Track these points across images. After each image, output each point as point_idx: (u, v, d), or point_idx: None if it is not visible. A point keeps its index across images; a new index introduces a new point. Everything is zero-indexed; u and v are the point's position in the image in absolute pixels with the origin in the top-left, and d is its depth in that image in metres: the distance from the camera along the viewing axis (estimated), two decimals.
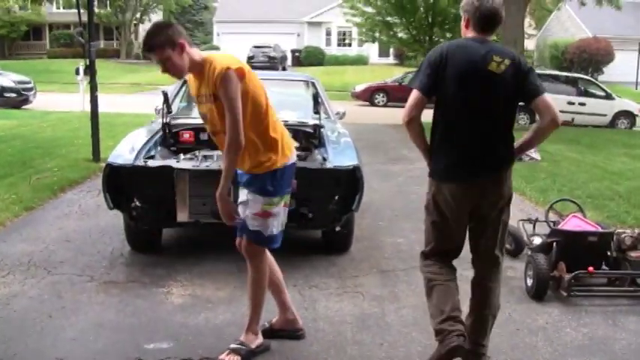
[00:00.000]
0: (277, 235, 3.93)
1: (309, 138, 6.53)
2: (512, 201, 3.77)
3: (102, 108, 10.72)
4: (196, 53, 3.74)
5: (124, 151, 5.49)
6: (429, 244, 3.86)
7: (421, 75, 3.67)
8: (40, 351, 4.00)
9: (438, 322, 3.68)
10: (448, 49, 3.61)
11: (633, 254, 5.23)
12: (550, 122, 3.61)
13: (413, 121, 3.65)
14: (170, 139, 6.34)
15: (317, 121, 6.41)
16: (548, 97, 3.63)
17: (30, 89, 21.06)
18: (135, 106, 19.20)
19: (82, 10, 10.73)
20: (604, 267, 5.27)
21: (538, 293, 5.03)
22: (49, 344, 4.08)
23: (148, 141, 5.79)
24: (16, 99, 20.38)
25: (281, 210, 3.91)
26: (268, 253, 4.00)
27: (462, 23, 3.74)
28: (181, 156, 5.81)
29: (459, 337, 3.57)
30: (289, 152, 3.97)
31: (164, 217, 5.44)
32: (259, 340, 3.97)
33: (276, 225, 3.90)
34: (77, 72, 19.04)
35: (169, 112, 6.33)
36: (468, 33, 3.69)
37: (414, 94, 3.65)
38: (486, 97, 3.56)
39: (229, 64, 3.62)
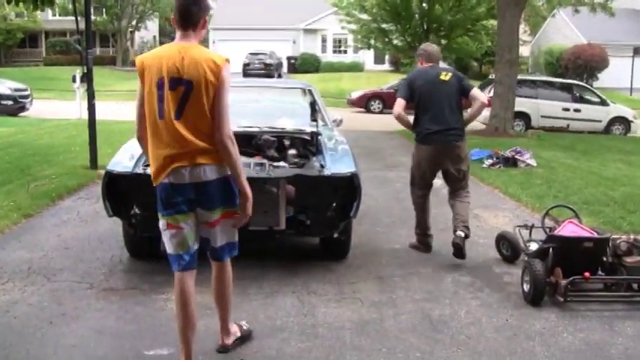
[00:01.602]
0: (171, 255, 3.77)
1: (306, 145, 6.57)
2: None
3: (98, 115, 10.73)
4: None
5: (123, 159, 5.51)
6: (418, 179, 6.41)
7: (403, 89, 6.37)
8: (41, 358, 4.03)
9: (422, 233, 6.48)
10: (417, 74, 6.44)
11: (629, 260, 5.27)
12: (480, 104, 6.26)
13: (400, 115, 6.28)
14: None
15: (314, 129, 6.45)
16: (477, 90, 6.44)
17: (27, 97, 21.09)
18: (131, 114, 19.18)
19: (79, 18, 10.75)
20: (600, 272, 5.31)
21: (535, 299, 5.07)
22: (49, 351, 4.10)
23: None
24: (12, 106, 20.40)
25: (169, 229, 3.72)
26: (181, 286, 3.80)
27: (419, 61, 6.47)
28: None
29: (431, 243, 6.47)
30: (160, 176, 3.66)
31: None
32: None
33: (168, 243, 3.76)
34: (74, 79, 19.07)
35: None
36: (425, 64, 6.41)
37: (399, 100, 6.27)
38: (441, 94, 6.19)
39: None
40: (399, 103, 6.20)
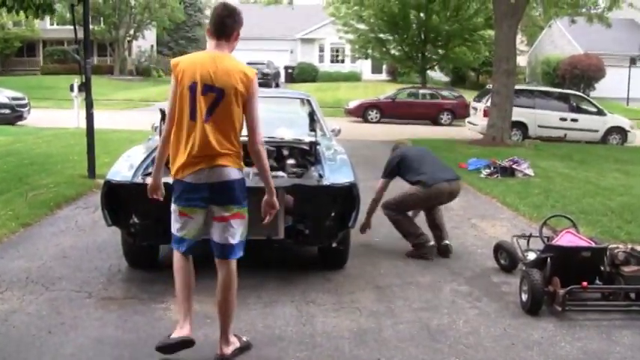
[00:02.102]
0: (175, 235, 4.12)
1: (305, 155, 6.59)
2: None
3: (96, 124, 10.72)
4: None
5: (123, 168, 5.53)
6: (403, 207, 6.76)
7: (387, 173, 6.92)
8: None
9: (416, 236, 6.66)
10: (400, 150, 7.08)
11: (626, 269, 5.29)
12: None
13: (379, 199, 6.87)
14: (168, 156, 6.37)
15: (313, 139, 6.47)
16: None
17: (24, 105, 21.04)
18: (128, 123, 19.27)
19: (77, 27, 10.76)
20: (598, 282, 5.33)
21: (533, 308, 5.08)
22: None
23: (145, 158, 5.82)
24: (10, 115, 20.35)
25: (181, 216, 4.06)
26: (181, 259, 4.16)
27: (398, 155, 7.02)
28: None
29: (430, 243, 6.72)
30: (180, 173, 4.00)
31: (162, 234, 5.46)
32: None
33: (176, 226, 4.09)
34: (71, 88, 19.05)
35: None
36: (404, 147, 7.24)
37: (384, 182, 6.91)
38: (429, 153, 7.21)
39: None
40: (382, 186, 6.89)
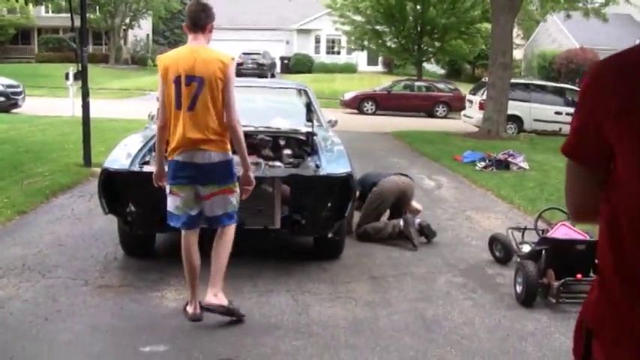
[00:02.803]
0: (171, 213, 4.48)
1: (302, 146, 6.60)
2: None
3: (91, 113, 10.69)
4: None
5: (120, 157, 5.52)
6: (370, 216, 6.92)
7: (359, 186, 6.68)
8: (37, 354, 4.05)
9: (391, 227, 6.80)
10: (364, 174, 7.39)
11: None
12: None
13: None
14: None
15: (310, 129, 6.47)
16: None
17: (19, 93, 20.94)
18: (124, 112, 19.21)
19: (73, 15, 10.73)
20: (592, 274, 5.35)
21: (527, 300, 5.12)
22: (45, 347, 4.12)
23: (143, 146, 5.82)
24: (5, 103, 20.27)
25: (171, 195, 4.44)
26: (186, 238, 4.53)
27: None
28: None
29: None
30: (172, 155, 4.37)
31: (158, 222, 5.47)
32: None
33: (170, 204, 4.46)
34: (67, 77, 18.99)
35: None
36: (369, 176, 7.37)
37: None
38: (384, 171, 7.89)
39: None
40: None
